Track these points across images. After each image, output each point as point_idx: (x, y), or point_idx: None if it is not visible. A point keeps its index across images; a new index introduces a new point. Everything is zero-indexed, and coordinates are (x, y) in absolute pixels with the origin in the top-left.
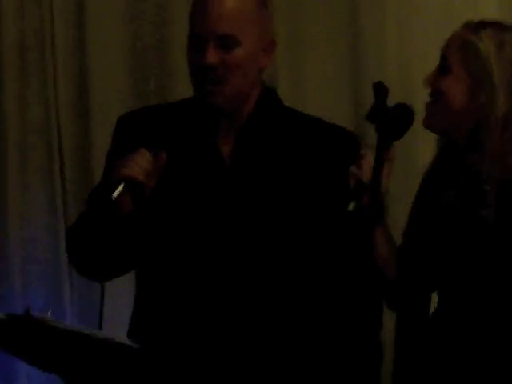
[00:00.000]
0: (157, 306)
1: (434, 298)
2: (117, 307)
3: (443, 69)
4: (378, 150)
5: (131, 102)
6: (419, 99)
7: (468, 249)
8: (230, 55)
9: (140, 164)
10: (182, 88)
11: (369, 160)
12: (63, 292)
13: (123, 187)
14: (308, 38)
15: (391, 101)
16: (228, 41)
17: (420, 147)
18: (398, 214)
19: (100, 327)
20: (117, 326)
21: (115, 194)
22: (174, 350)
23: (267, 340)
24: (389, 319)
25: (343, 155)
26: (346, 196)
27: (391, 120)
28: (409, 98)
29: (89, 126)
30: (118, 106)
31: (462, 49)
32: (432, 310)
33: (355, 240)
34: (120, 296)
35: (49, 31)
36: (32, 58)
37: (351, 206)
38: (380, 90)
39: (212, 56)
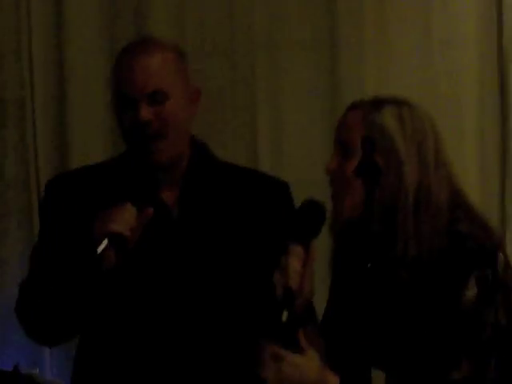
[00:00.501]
0: (102, 354)
1: None
2: None
3: (346, 153)
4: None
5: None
6: None
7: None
8: (161, 109)
9: (126, 219)
10: None
11: (293, 265)
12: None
13: (107, 242)
14: (287, 86)
15: None
16: (158, 96)
17: None
18: None
19: None
20: None
21: (100, 250)
22: None
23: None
24: None
25: (275, 202)
26: (277, 306)
27: (302, 220)
28: None
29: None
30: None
31: (368, 130)
32: None
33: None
34: None
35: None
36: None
37: (284, 316)
38: (368, 143)
39: (146, 113)
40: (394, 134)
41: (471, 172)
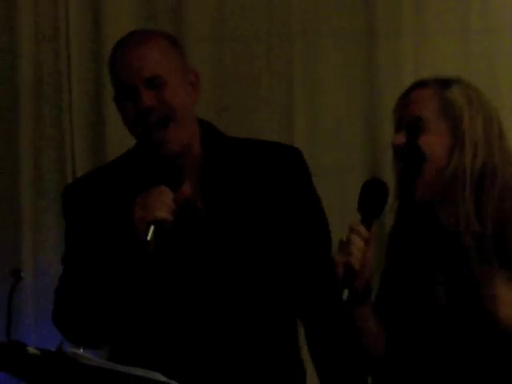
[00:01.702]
0: (137, 345)
1: None
2: None
3: (417, 128)
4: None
5: None
6: None
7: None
8: (162, 93)
9: (167, 203)
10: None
11: (356, 244)
12: None
13: (154, 229)
14: (324, 74)
15: None
16: (156, 81)
17: None
18: None
19: None
20: None
21: (150, 237)
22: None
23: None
24: None
25: (288, 169)
26: (338, 284)
27: (365, 199)
28: None
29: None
30: None
31: (440, 106)
32: None
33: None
34: None
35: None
36: (47, 93)
37: (345, 295)
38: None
39: (147, 98)
40: (463, 111)
41: None
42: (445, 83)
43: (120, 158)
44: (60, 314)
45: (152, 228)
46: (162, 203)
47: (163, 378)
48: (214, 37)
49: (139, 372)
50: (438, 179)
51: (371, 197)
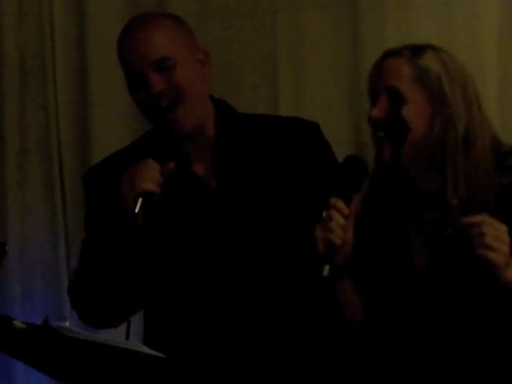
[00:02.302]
0: (166, 323)
1: None
2: None
3: (395, 100)
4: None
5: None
6: None
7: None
8: (171, 75)
9: (153, 176)
10: None
11: (336, 220)
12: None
13: (141, 201)
14: (308, 46)
15: None
16: (164, 63)
17: None
18: None
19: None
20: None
21: (137, 209)
22: (193, 360)
23: (271, 346)
24: None
25: (307, 143)
26: (318, 260)
27: (344, 175)
28: None
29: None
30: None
31: (415, 74)
32: None
33: None
34: None
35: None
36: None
37: (326, 271)
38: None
39: (156, 83)
40: (440, 77)
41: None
42: (417, 50)
43: (137, 140)
44: (74, 292)
45: (140, 201)
46: (149, 175)
47: (150, 351)
48: (198, 12)
49: (125, 345)
50: (423, 147)
51: (350, 173)
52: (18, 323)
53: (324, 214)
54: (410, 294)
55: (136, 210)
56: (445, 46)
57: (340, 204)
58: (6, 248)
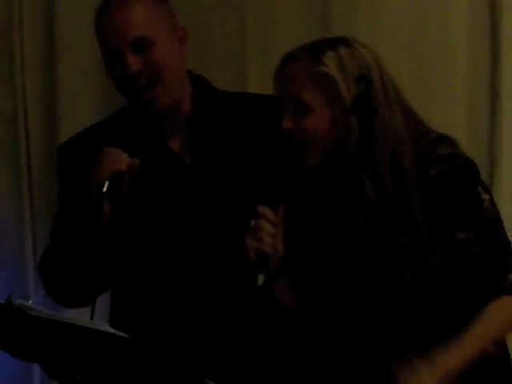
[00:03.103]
0: (133, 303)
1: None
2: None
3: (300, 109)
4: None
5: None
6: None
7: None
8: (148, 55)
9: (115, 158)
10: None
11: (265, 228)
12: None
13: (108, 184)
14: (278, 38)
15: None
16: (142, 42)
17: None
18: None
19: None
20: None
21: (104, 188)
22: (159, 341)
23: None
24: None
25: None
26: (251, 271)
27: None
28: None
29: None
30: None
31: (314, 81)
32: None
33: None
34: None
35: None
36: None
37: (261, 280)
38: (363, 81)
39: (133, 63)
40: (336, 81)
41: (461, 118)
42: (316, 53)
43: (112, 116)
44: (42, 268)
45: (107, 183)
46: (112, 159)
47: (111, 330)
48: None
49: (89, 324)
50: (332, 150)
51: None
52: None
53: (252, 223)
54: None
55: (104, 189)
56: (415, 45)
57: (267, 212)
58: None
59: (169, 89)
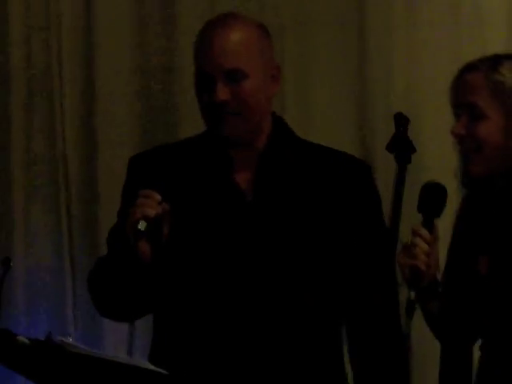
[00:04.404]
0: (178, 337)
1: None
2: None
3: (474, 115)
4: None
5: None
6: (426, 128)
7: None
8: (239, 88)
9: (146, 203)
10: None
11: (420, 246)
12: (67, 318)
13: (146, 225)
14: (315, 67)
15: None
16: (235, 75)
17: None
18: None
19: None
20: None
21: (140, 227)
22: (199, 376)
23: (282, 368)
24: None
25: (356, 183)
26: (406, 285)
27: (425, 202)
28: (415, 128)
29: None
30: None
31: (491, 90)
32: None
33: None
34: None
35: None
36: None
37: (412, 296)
38: (401, 120)
39: (222, 92)
40: None
41: None
42: (494, 63)
43: (186, 139)
44: (89, 279)
45: (142, 222)
46: (143, 204)
47: (151, 367)
48: None
49: (129, 361)
50: (500, 161)
51: (431, 199)
52: (21, 338)
53: (409, 241)
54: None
55: (140, 228)
56: (453, 67)
57: (423, 231)
58: (11, 264)
59: (247, 120)
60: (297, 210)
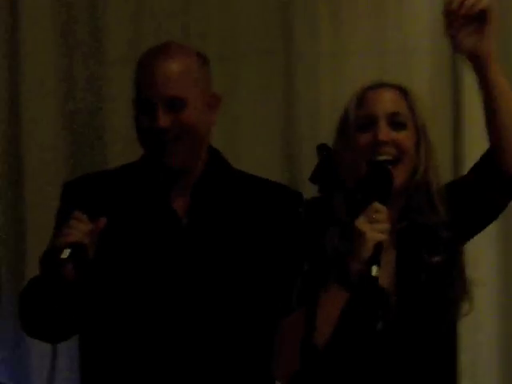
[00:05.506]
0: (106, 359)
1: None
2: None
3: (397, 125)
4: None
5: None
6: None
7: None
8: (179, 116)
9: (78, 228)
10: None
11: (384, 222)
12: None
13: (70, 251)
14: (241, 97)
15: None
16: (176, 103)
17: None
18: None
19: None
20: None
21: (63, 256)
22: None
23: None
24: None
25: (281, 210)
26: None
27: (377, 180)
28: None
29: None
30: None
31: (409, 103)
32: None
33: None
34: None
35: None
36: None
37: (374, 271)
38: (324, 151)
39: (164, 120)
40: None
41: None
42: (400, 87)
43: (125, 165)
44: (20, 308)
45: (68, 251)
46: (74, 229)
47: None
48: (128, 59)
49: None
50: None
51: (381, 178)
52: None
53: (373, 215)
54: None
55: (62, 256)
56: None
57: (380, 206)
58: None
59: (188, 148)
60: (227, 233)
